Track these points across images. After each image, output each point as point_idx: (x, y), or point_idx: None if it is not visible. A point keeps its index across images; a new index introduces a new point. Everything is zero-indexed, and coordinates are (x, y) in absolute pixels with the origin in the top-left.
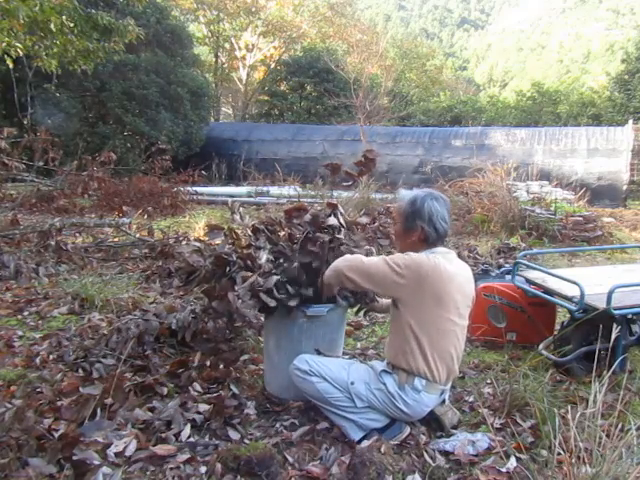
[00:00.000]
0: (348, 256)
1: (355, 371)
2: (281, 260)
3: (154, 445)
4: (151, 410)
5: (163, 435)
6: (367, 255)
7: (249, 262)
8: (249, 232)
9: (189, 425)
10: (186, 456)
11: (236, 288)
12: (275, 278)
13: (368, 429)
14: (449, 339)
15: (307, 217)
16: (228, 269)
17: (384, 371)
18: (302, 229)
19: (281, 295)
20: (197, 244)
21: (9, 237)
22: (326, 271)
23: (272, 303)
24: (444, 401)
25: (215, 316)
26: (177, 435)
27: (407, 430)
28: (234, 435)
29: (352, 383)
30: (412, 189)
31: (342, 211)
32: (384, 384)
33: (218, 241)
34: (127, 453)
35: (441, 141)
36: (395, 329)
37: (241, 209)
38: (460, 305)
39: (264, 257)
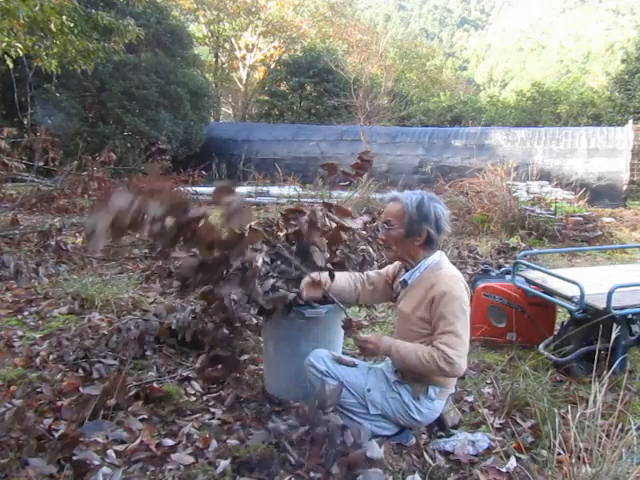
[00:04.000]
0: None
1: (372, 378)
2: (279, 262)
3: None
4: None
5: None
6: (363, 257)
7: (246, 264)
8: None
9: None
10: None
11: (232, 292)
12: (272, 281)
13: (376, 435)
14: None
15: (304, 218)
16: (226, 271)
17: (397, 381)
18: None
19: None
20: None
21: (9, 237)
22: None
23: (268, 306)
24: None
25: (214, 319)
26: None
27: (413, 440)
28: (234, 435)
29: (369, 390)
30: (403, 191)
31: None
32: (399, 394)
33: None
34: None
35: (441, 141)
36: None
37: None
38: None
39: (260, 260)
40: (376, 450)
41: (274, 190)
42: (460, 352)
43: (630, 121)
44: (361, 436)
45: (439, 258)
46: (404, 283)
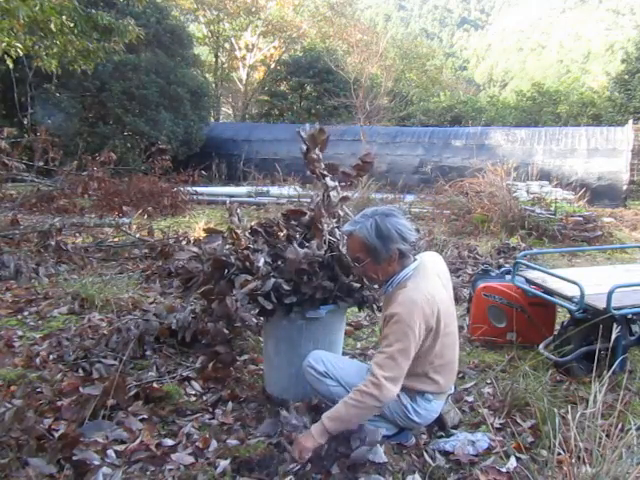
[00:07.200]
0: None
1: None
2: (279, 262)
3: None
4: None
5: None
6: None
7: (247, 264)
8: (247, 234)
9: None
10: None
11: (234, 292)
12: (272, 281)
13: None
14: (452, 348)
15: (305, 219)
16: (227, 271)
17: None
18: (300, 230)
19: (279, 297)
20: (195, 249)
21: (9, 237)
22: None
23: (269, 306)
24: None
25: (214, 318)
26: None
27: (413, 440)
28: (234, 435)
29: None
30: (355, 219)
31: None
32: (397, 395)
33: (218, 242)
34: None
35: (441, 141)
36: None
37: (239, 210)
38: (452, 309)
39: (262, 260)
40: (379, 455)
41: (274, 190)
42: (390, 374)
43: (630, 121)
44: (367, 438)
45: (411, 272)
46: (384, 293)
